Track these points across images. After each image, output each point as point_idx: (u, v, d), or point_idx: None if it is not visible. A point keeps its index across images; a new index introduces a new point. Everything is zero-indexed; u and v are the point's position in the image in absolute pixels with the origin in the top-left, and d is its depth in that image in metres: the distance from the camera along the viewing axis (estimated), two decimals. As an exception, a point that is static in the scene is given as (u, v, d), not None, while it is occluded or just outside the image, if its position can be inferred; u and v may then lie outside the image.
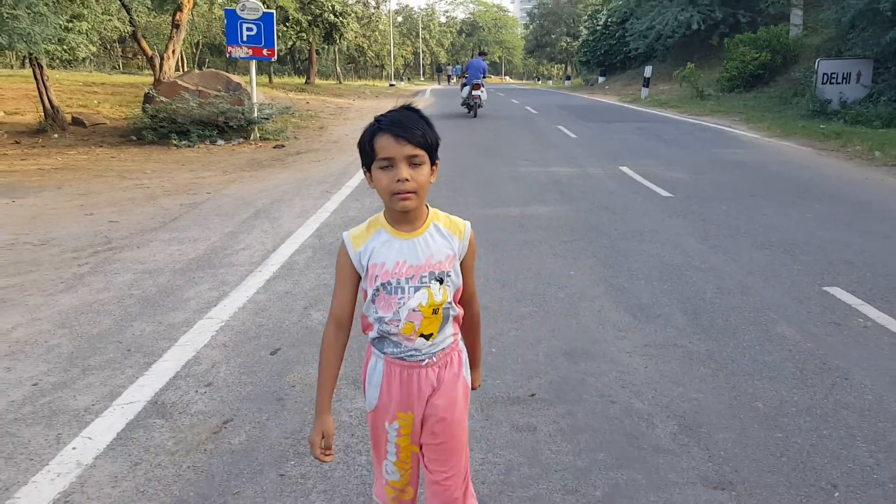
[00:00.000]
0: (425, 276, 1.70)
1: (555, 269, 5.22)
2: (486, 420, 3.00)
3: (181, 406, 3.15)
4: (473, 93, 19.05)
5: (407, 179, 1.61)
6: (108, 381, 3.39)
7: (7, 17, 9.70)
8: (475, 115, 19.30)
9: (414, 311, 1.71)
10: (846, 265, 5.27)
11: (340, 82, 45.34)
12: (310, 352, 3.71)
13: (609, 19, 42.29)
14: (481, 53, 21.01)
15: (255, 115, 13.43)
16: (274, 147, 12.79)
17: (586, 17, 49.53)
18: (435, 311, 1.73)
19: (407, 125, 1.62)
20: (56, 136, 13.29)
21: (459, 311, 1.82)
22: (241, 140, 13.28)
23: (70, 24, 13.62)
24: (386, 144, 1.62)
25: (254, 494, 2.50)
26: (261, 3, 13.44)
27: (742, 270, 5.17)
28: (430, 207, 1.76)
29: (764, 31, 22.66)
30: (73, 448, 2.80)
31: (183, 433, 2.92)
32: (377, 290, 1.71)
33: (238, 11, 13.10)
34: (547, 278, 5.01)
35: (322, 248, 5.76)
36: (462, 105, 20.16)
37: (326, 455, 1.76)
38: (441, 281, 1.72)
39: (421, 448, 1.84)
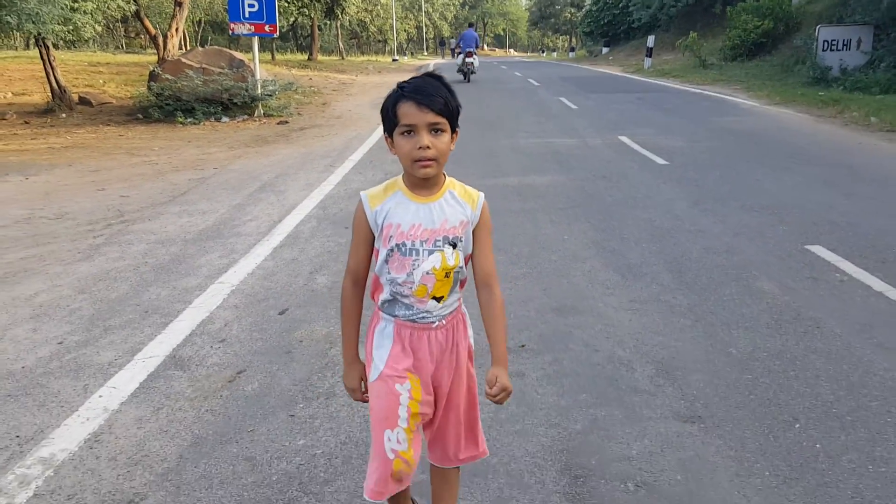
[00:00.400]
0: (439, 240, 1.74)
1: (550, 235, 5.43)
2: (479, 368, 3.18)
3: (197, 359, 3.41)
4: (467, 60, 21.54)
5: (428, 147, 1.65)
6: (129, 339, 3.65)
7: (15, -2, 9.87)
8: (468, 81, 21.39)
9: (427, 273, 1.74)
10: (830, 225, 5.47)
11: (343, 58, 45.17)
12: (316, 312, 3.96)
13: (613, -11, 41.98)
14: (470, 25, 24.27)
15: (259, 91, 13.57)
16: (278, 123, 12.97)
17: (590, -12, 49.12)
18: (447, 275, 1.76)
19: (430, 92, 1.65)
20: (64, 115, 13.50)
21: (465, 275, 1.86)
22: (246, 117, 13.45)
23: (76, 5, 13.74)
24: (408, 111, 1.65)
25: (267, 432, 2.76)
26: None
27: (729, 232, 5.38)
28: (446, 175, 1.80)
29: (766, -1, 22.56)
30: (100, 396, 3.06)
31: (200, 382, 3.18)
32: (391, 250, 1.74)
33: (240, -12, 13.21)
34: (542, 243, 5.23)
35: (326, 219, 5.97)
36: (457, 72, 22.03)
37: (367, 396, 1.87)
38: (454, 245, 1.75)
39: (435, 413, 1.90)
